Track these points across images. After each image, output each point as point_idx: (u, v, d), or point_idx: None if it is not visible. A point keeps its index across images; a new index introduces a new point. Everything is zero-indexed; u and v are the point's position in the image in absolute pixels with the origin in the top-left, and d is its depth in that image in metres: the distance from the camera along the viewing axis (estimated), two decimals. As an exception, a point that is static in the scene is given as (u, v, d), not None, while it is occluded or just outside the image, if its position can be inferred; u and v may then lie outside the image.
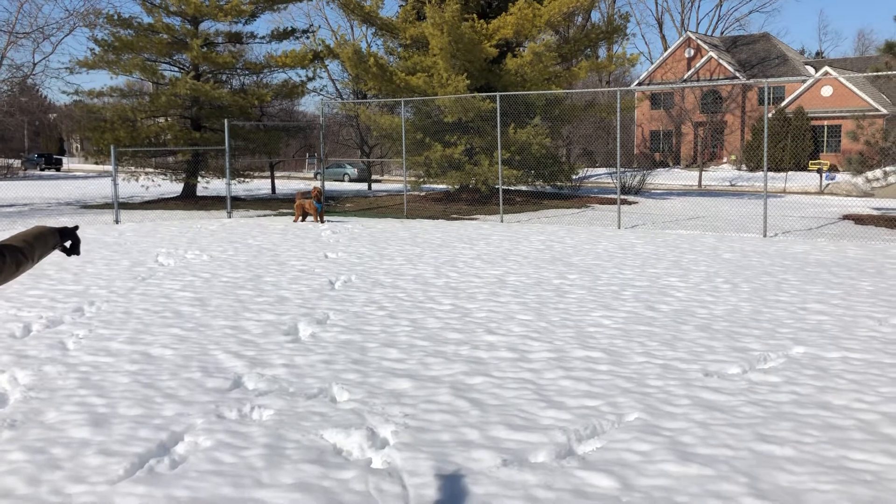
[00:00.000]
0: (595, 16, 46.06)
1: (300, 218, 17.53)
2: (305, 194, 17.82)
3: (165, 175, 24.94)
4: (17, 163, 47.88)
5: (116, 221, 17.42)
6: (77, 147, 66.57)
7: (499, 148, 18.08)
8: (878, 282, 9.27)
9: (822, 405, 4.90)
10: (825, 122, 43.98)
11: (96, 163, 25.56)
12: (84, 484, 3.78)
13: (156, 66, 23.88)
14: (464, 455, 4.13)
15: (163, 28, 23.14)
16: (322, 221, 17.23)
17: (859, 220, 17.03)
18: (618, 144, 16.93)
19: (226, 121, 19.80)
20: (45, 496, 3.65)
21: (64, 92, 34.32)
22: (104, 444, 4.27)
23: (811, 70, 49.39)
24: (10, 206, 22.87)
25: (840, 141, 43.15)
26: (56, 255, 11.75)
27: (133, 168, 24.45)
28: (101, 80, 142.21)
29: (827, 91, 43.90)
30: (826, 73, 43.75)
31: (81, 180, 40.19)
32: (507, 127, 20.50)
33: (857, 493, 3.65)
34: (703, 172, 37.55)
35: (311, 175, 45.33)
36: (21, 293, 8.74)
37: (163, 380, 5.47)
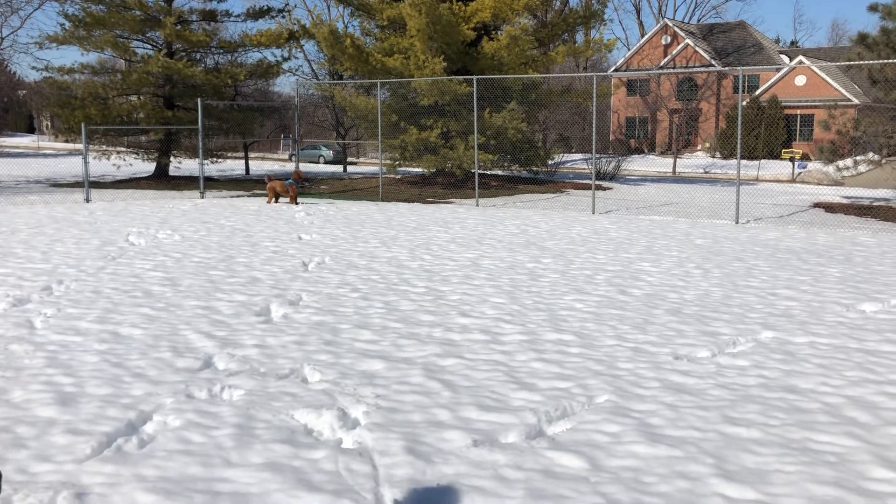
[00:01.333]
0: (573, 0, 46.02)
1: (273, 199, 17.40)
2: (275, 177, 17.64)
3: (137, 154, 24.59)
4: None
5: (87, 200, 17.16)
6: (47, 125, 65.41)
7: (475, 132, 18.05)
8: (847, 269, 9.41)
9: (788, 388, 4.97)
10: (798, 111, 44.41)
11: (66, 141, 25.11)
12: (50, 463, 3.74)
13: (128, 44, 23.47)
14: (435, 435, 4.14)
15: (135, 4, 22.72)
16: (296, 203, 17.12)
17: (829, 208, 17.25)
18: (594, 130, 16.97)
19: (199, 100, 19.54)
20: (9, 475, 3.61)
21: (34, 68, 33.69)
22: (71, 424, 4.22)
23: (786, 59, 49.81)
24: (-22, 183, 22.45)
25: (812, 130, 43.63)
26: (26, 233, 11.57)
27: (104, 147, 24.06)
28: (71, 56, 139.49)
29: (801, 80, 44.31)
30: (800, 63, 44.15)
31: (52, 158, 39.51)
32: (484, 111, 20.46)
33: (820, 474, 3.72)
34: (678, 159, 37.80)
35: (287, 157, 44.98)
36: (-12, 271, 8.59)
37: (132, 359, 5.42)
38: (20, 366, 5.25)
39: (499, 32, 22.94)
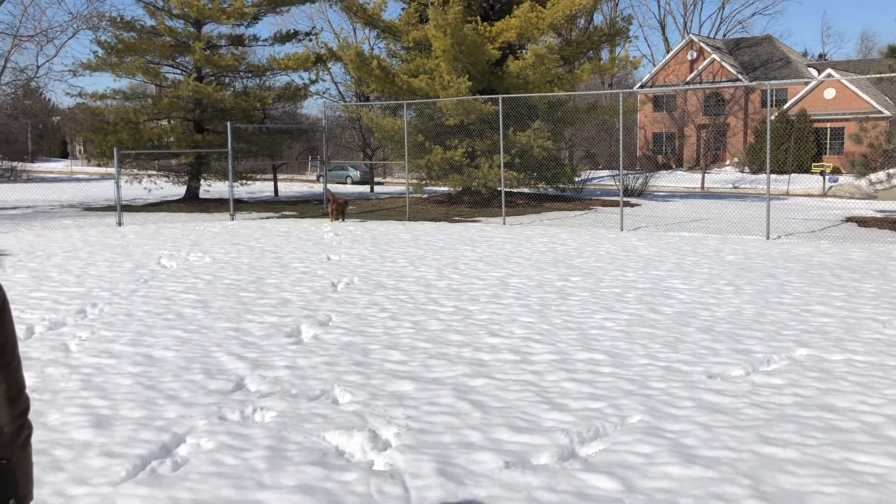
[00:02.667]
0: (598, 18, 46.06)
1: (338, 217, 18.80)
2: (338, 195, 19.56)
3: (168, 177, 24.97)
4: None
5: (119, 224, 17.43)
6: (80, 150, 66.68)
7: (501, 150, 18.07)
8: (882, 284, 9.25)
9: (825, 407, 4.88)
10: (828, 125, 43.92)
11: (99, 165, 25.63)
12: (86, 486, 3.78)
13: (158, 69, 23.91)
14: (466, 457, 4.12)
15: (165, 31, 23.17)
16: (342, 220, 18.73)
17: (862, 222, 17.00)
18: (620, 147, 16.92)
19: (228, 123, 19.82)
20: (47, 498, 3.65)
21: (67, 94, 34.51)
22: (106, 446, 4.27)
23: (814, 72, 49.36)
24: (14, 208, 22.91)
25: (843, 143, 43.09)
26: (60, 257, 11.77)
27: (136, 170, 24.48)
28: (104, 82, 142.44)
29: (830, 93, 43.84)
30: (829, 76, 43.71)
31: (84, 182, 40.23)
32: (508, 130, 20.50)
33: (860, 496, 3.64)
34: (706, 175, 37.52)
35: (315, 178, 45.35)
36: (24, 295, 8.75)
37: (165, 381, 5.47)
38: (56, 388, 5.32)
39: (524, 51, 23.01)
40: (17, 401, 1.98)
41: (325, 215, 19.76)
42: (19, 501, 2.00)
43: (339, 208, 18.99)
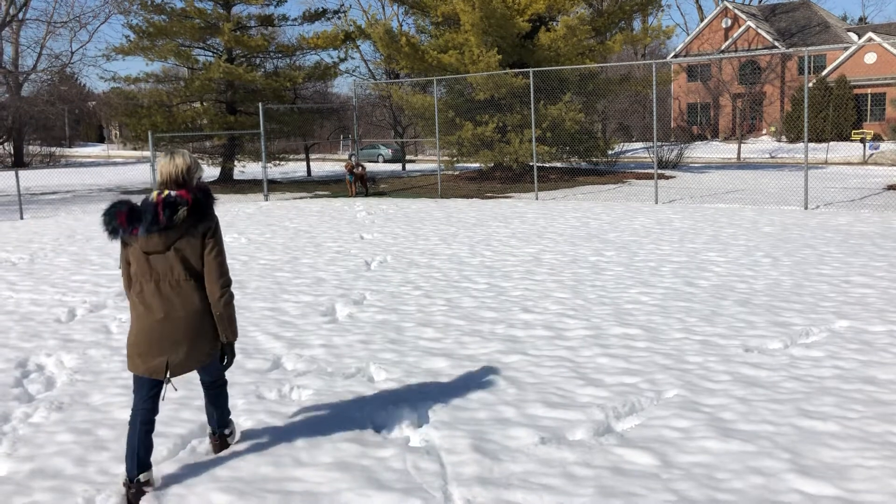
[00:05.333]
0: (629, -12, 45.27)
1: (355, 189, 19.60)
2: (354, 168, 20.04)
3: (202, 159, 25.20)
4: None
5: (156, 206, 17.65)
6: (116, 134, 67.53)
7: (532, 125, 17.93)
8: (925, 253, 9.04)
9: (866, 380, 4.80)
10: (868, 91, 42.82)
11: (134, 149, 25.92)
12: (129, 464, 3.86)
13: (189, 51, 24.07)
14: (501, 433, 4.13)
15: (195, 13, 23.28)
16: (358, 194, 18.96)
17: (905, 190, 16.60)
18: (654, 118, 16.68)
19: (260, 104, 19.92)
20: (92, 476, 3.74)
21: (101, 78, 34.93)
22: (148, 425, 4.35)
23: (854, 37, 48.06)
24: (53, 193, 23.33)
25: (885, 109, 42.02)
26: (99, 240, 11.97)
27: (171, 153, 24.74)
28: (137, 66, 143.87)
29: (871, 58, 42.69)
30: (870, 40, 42.53)
31: (121, 166, 40.82)
32: (539, 103, 20.30)
33: (903, 469, 3.58)
34: (742, 145, 36.88)
35: (346, 157, 45.50)
36: (66, 279, 8.92)
37: (203, 361, 5.55)
38: (98, 370, 5.44)
39: (555, 23, 22.73)
40: (222, 279, 3.54)
41: (357, 194, 19.83)
42: (228, 337, 3.61)
43: (358, 178, 19.57)
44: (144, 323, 3.49)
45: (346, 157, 45.23)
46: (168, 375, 3.50)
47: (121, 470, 3.79)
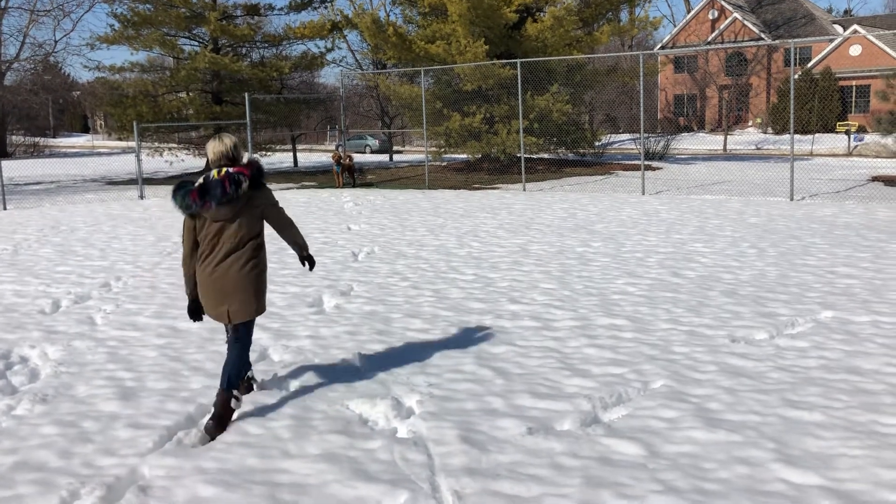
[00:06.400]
0: (616, -22, 45.18)
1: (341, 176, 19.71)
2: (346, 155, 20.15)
3: (189, 150, 25.05)
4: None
5: (141, 197, 17.55)
6: (101, 124, 66.98)
7: (520, 116, 17.91)
8: (909, 244, 9.10)
9: (851, 370, 4.84)
10: (853, 83, 43.05)
11: (120, 139, 25.73)
12: (114, 457, 3.84)
13: (175, 41, 23.88)
14: (489, 423, 4.13)
15: (180, 2, 23.09)
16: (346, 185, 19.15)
17: (889, 181, 16.72)
18: (641, 109, 16.70)
19: (246, 94, 19.79)
20: (77, 468, 3.71)
21: (86, 67, 34.59)
22: (133, 418, 4.33)
23: (839, 29, 48.27)
24: (37, 183, 23.13)
25: (869, 101, 42.24)
26: (84, 231, 11.88)
27: (156, 143, 24.59)
28: (121, 55, 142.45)
29: (855, 50, 42.91)
30: (854, 32, 42.71)
31: (106, 157, 40.52)
32: (527, 94, 20.28)
33: (887, 458, 3.61)
34: (729, 136, 37.02)
35: (333, 147, 45.32)
36: (50, 269, 8.85)
37: (189, 353, 5.53)
38: (83, 361, 5.40)
39: (542, 14, 22.69)
40: (294, 225, 4.51)
41: (345, 185, 19.76)
42: (307, 250, 4.60)
43: (345, 169, 19.69)
44: (208, 279, 4.15)
45: (334, 147, 45.10)
46: (229, 320, 4.17)
47: (106, 462, 3.77)
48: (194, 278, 4.24)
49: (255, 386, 4.68)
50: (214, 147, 4.18)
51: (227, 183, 4.02)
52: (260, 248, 4.26)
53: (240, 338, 4.26)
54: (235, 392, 4.17)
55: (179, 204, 4.10)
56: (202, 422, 4.27)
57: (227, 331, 4.33)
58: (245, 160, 4.23)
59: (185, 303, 6.68)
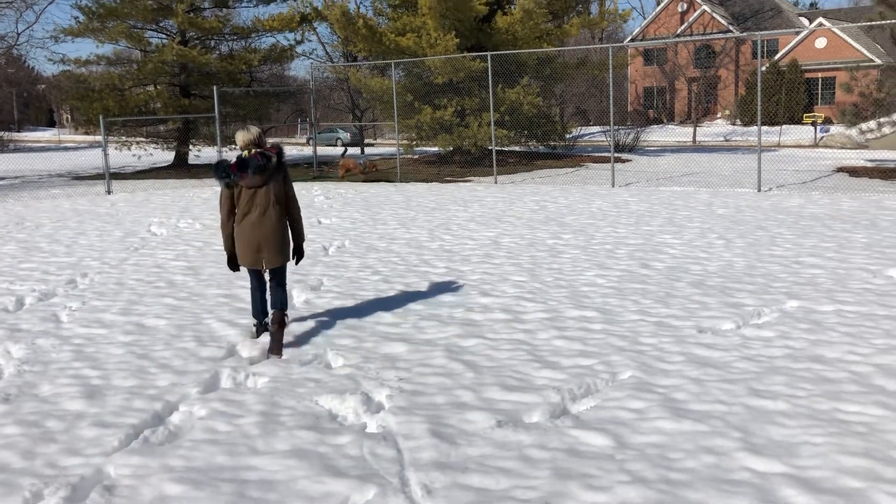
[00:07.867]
0: (586, -29, 45.31)
1: (343, 174, 19.90)
2: (349, 157, 20.69)
3: (157, 144, 24.72)
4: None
5: (108, 192, 17.30)
6: (67, 118, 65.88)
7: (491, 108, 17.91)
8: (873, 234, 9.26)
9: (815, 359, 4.91)
10: (819, 75, 43.65)
11: (86, 133, 25.39)
12: (79, 456, 3.79)
13: (142, 33, 23.52)
14: (458, 417, 4.14)
15: (147, -7, 22.73)
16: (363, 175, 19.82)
17: (854, 172, 16.99)
18: (611, 102, 16.78)
19: (215, 87, 19.56)
20: (40, 469, 3.66)
21: (50, 60, 33.94)
22: (99, 416, 4.27)
23: (805, 21, 48.89)
24: (1, 178, 22.70)
25: (834, 93, 42.86)
26: (49, 227, 11.70)
27: (124, 138, 24.22)
28: (87, 48, 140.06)
29: (821, 43, 43.50)
30: (820, 25, 43.27)
31: (72, 151, 39.86)
32: (498, 87, 20.29)
33: (850, 445, 3.67)
34: (698, 128, 37.36)
35: (304, 140, 45.01)
36: (13, 266, 8.70)
37: (157, 350, 5.47)
38: (47, 360, 5.31)
39: (512, 7, 22.68)
40: (298, 207, 5.46)
41: (315, 178, 19.66)
42: (302, 240, 5.57)
43: (349, 169, 20.14)
44: (248, 234, 5.25)
45: (305, 140, 44.81)
46: (264, 266, 5.34)
47: (70, 462, 3.72)
48: (232, 237, 5.31)
49: (268, 328, 5.59)
50: (244, 136, 5.27)
51: (259, 158, 5.17)
52: (285, 211, 5.36)
53: (280, 281, 5.43)
54: (286, 312, 5.42)
55: (220, 175, 5.16)
56: (169, 419, 4.22)
57: (251, 277, 5.53)
58: (269, 145, 5.36)
59: (154, 299, 6.77)
